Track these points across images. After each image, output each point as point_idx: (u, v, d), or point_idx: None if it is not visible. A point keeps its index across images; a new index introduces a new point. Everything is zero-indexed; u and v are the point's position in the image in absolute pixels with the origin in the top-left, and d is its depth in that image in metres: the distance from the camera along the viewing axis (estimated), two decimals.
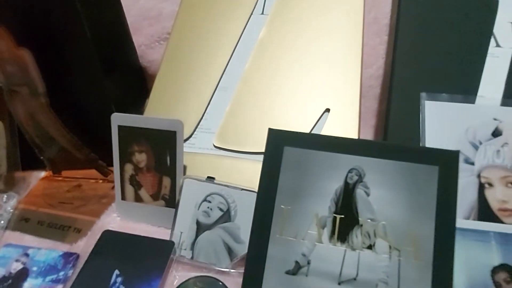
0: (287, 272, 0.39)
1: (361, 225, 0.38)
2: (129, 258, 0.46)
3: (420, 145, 0.51)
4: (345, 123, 0.54)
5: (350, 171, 0.40)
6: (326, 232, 0.39)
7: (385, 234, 0.38)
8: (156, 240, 0.48)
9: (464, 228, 0.45)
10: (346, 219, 0.39)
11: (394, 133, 0.53)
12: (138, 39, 0.74)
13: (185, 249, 0.48)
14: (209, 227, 0.48)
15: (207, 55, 0.63)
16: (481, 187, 0.47)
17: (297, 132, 0.42)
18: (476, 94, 0.53)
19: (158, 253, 0.47)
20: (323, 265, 0.38)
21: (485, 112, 0.51)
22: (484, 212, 0.46)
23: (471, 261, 0.43)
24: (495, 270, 0.43)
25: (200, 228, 0.48)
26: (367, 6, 0.69)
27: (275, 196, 0.41)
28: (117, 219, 0.53)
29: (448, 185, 0.38)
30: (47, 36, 0.56)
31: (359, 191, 0.39)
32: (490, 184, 0.47)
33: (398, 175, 0.39)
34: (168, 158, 0.50)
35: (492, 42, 0.56)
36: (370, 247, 0.38)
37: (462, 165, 0.49)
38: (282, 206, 0.40)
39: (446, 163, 0.38)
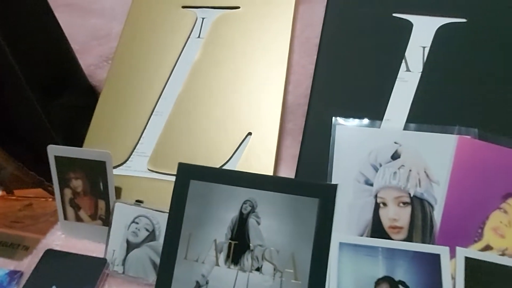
0: None
1: (252, 250, 0.44)
2: (66, 275, 0.53)
3: (329, 168, 0.56)
4: (265, 145, 0.59)
5: (244, 202, 0.46)
6: (222, 256, 0.45)
7: (271, 258, 0.44)
8: (91, 258, 0.54)
9: (357, 244, 0.51)
10: (239, 244, 0.45)
11: (307, 156, 0.58)
12: (88, 59, 0.78)
13: (117, 265, 0.55)
14: (137, 245, 0.54)
15: (146, 79, 0.67)
16: (377, 207, 0.53)
17: (202, 167, 0.48)
18: (383, 118, 0.58)
19: (92, 269, 0.53)
20: (219, 284, 0.44)
21: (388, 136, 0.56)
22: (376, 229, 0.52)
23: (359, 273, 0.49)
24: (378, 282, 0.48)
25: (130, 246, 0.55)
26: (302, 25, 0.73)
27: (182, 223, 0.47)
28: (61, 236, 0.60)
29: (325, 215, 0.43)
30: None
31: (251, 220, 0.45)
32: (385, 204, 0.53)
33: (284, 206, 0.44)
34: (101, 184, 0.55)
35: (403, 66, 0.61)
36: (258, 269, 0.44)
37: (362, 186, 0.54)
38: (187, 233, 0.46)
39: (325, 195, 0.44)
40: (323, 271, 0.42)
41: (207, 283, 0.45)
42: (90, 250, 0.58)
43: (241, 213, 0.46)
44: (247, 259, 0.44)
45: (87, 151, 0.55)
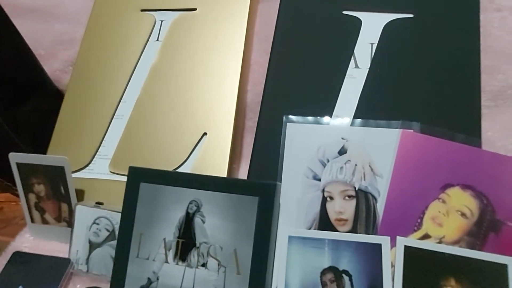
0: (142, 287, 0.48)
1: (198, 247, 0.47)
2: (32, 274, 0.56)
3: (279, 165, 0.58)
4: (220, 144, 0.61)
5: (190, 203, 0.48)
6: (171, 253, 0.48)
7: (215, 254, 0.47)
8: (56, 258, 0.57)
9: (305, 236, 0.54)
10: (186, 242, 0.47)
11: (259, 154, 0.60)
12: (54, 64, 0.79)
13: (81, 264, 0.57)
14: (99, 245, 0.57)
15: (107, 83, 0.69)
16: (324, 201, 0.55)
17: (151, 170, 0.50)
18: (331, 115, 0.60)
19: (57, 269, 0.56)
20: (168, 280, 0.47)
21: (335, 132, 0.58)
22: (324, 222, 0.54)
23: (306, 264, 0.52)
24: (323, 272, 0.51)
25: (92, 246, 0.57)
26: (260, 24, 0.75)
27: (133, 224, 0.49)
28: (30, 238, 0.62)
29: (264, 213, 0.46)
30: None
31: (197, 219, 0.48)
32: (331, 198, 0.55)
33: (227, 205, 0.47)
34: (62, 188, 0.58)
35: (352, 63, 0.62)
36: (204, 265, 0.47)
37: (310, 182, 0.57)
38: (138, 233, 0.49)
39: (265, 194, 0.46)
40: (264, 265, 0.45)
41: (157, 279, 0.48)
42: (57, 251, 0.61)
43: (187, 213, 0.48)
44: (193, 256, 0.47)
45: (46, 157, 0.58)
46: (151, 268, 0.48)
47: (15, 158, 0.58)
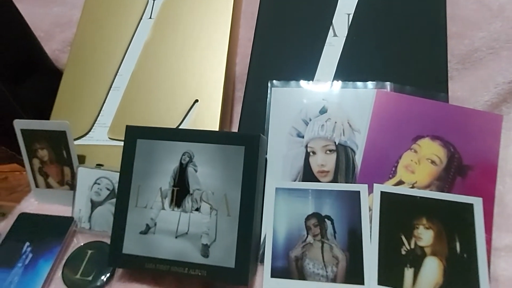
0: (141, 233, 0.52)
1: (191, 194, 0.52)
2: (38, 233, 0.60)
3: (265, 126, 0.63)
4: (211, 111, 0.65)
5: (183, 154, 0.52)
6: (167, 201, 0.52)
7: (207, 199, 0.51)
8: (60, 217, 0.61)
9: (290, 188, 0.58)
10: (180, 190, 0.52)
11: (247, 117, 0.65)
12: (53, 45, 0.84)
13: (84, 222, 0.62)
14: (100, 203, 0.61)
15: (104, 59, 0.74)
16: (307, 155, 0.60)
17: (146, 127, 0.55)
18: (313, 79, 0.65)
19: (60, 227, 0.60)
20: (165, 225, 0.51)
21: (316, 94, 0.62)
22: (307, 174, 0.59)
23: (292, 212, 0.56)
24: (308, 217, 0.56)
25: (94, 205, 0.62)
26: (247, 2, 0.79)
27: (132, 177, 0.53)
28: (35, 203, 0.66)
29: (251, 160, 0.50)
30: None
31: (190, 169, 0.52)
32: (314, 152, 0.60)
33: (217, 155, 0.52)
34: (64, 152, 0.62)
35: (331, 32, 0.67)
36: (197, 209, 0.51)
37: (294, 139, 0.61)
38: (136, 185, 0.53)
39: (250, 143, 0.51)
40: (251, 207, 0.49)
41: (155, 224, 0.52)
42: (61, 213, 0.64)
43: (181, 163, 0.53)
44: (188, 202, 0.52)
45: (48, 122, 0.62)
46: (149, 215, 0.52)
47: (19, 124, 0.62)
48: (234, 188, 0.50)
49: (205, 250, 0.50)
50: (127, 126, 0.54)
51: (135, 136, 0.54)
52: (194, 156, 0.52)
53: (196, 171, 0.52)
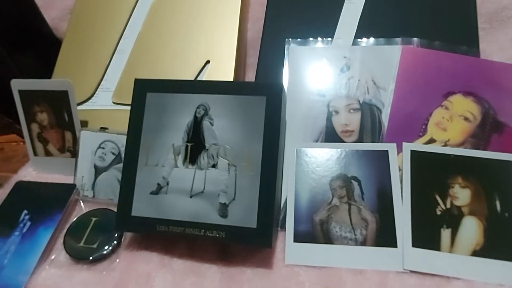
0: (151, 193, 0.47)
1: (207, 149, 0.47)
2: (36, 201, 0.55)
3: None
4: (223, 72, 0.61)
5: (198, 107, 0.48)
6: (180, 158, 0.47)
7: (225, 154, 0.46)
8: (60, 185, 0.56)
9: (313, 148, 0.54)
10: (195, 146, 0.47)
11: (262, 77, 0.61)
12: (52, 13, 0.79)
13: (87, 190, 0.57)
14: (105, 169, 0.57)
15: (107, 21, 0.69)
16: (329, 115, 0.56)
17: (156, 80, 0.50)
18: (333, 37, 0.61)
19: (62, 195, 0.55)
20: (178, 184, 0.47)
21: (338, 52, 0.58)
22: (330, 134, 0.55)
23: (315, 174, 0.52)
24: (332, 179, 0.52)
25: (98, 171, 0.57)
26: None
27: (141, 134, 0.49)
28: (33, 173, 0.61)
29: (273, 111, 0.46)
30: None
31: (205, 123, 0.48)
32: (337, 112, 0.55)
33: (235, 106, 0.47)
34: (66, 115, 0.57)
35: None
36: (214, 166, 0.47)
37: (315, 98, 0.57)
38: (146, 141, 0.48)
39: (272, 93, 0.46)
40: (274, 162, 0.45)
41: (168, 183, 0.47)
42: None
43: (195, 117, 0.48)
44: (203, 158, 0.47)
45: (48, 81, 0.56)
46: (161, 174, 0.47)
47: (17, 85, 0.57)
48: (255, 142, 0.46)
49: (223, 210, 0.45)
50: (136, 79, 0.50)
51: (144, 89, 0.49)
52: (210, 108, 0.48)
53: (212, 124, 0.47)
